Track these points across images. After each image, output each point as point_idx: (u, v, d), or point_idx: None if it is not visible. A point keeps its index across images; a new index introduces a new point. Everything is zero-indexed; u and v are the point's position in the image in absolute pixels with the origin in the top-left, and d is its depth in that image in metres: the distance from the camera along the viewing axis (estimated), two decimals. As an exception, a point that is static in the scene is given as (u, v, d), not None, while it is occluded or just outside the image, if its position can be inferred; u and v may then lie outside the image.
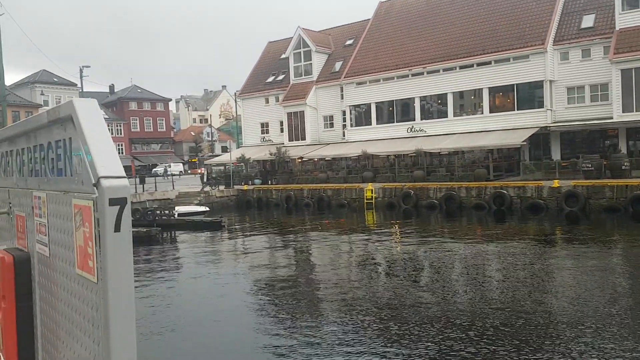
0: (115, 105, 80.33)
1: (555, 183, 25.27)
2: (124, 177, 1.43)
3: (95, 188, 1.41)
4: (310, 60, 43.09)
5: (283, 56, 46.12)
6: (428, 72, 36.29)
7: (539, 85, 32.30)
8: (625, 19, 29.15)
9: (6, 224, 2.58)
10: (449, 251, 17.79)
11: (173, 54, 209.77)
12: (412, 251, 18.49)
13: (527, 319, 10.16)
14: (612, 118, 28.94)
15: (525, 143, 30.85)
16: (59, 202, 1.77)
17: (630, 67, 27.94)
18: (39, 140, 1.90)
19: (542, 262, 15.63)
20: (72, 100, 1.57)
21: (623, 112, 28.42)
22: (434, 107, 36.68)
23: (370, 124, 38.87)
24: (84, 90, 45.39)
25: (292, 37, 44.45)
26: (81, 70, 42.01)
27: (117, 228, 1.38)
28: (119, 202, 1.39)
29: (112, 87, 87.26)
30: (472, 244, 18.76)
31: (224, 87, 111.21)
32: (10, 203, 2.52)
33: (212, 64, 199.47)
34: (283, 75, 45.85)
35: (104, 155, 1.45)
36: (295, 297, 13.02)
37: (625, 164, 26.76)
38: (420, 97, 36.75)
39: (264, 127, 46.71)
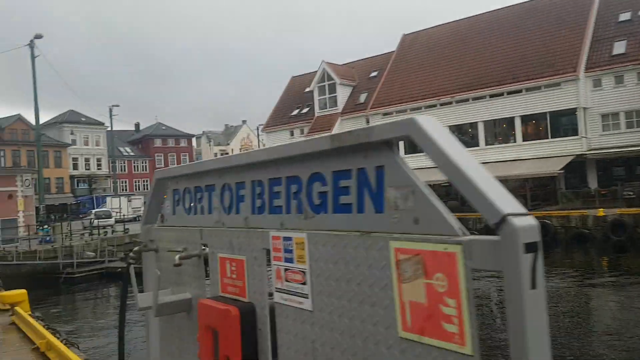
0: (141, 142, 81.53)
1: (600, 212, 24.47)
2: (530, 214, 1.08)
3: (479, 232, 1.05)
4: (335, 92, 43.25)
5: (307, 89, 46.39)
6: (457, 102, 36.05)
7: (572, 112, 31.80)
8: (660, 44, 28.75)
9: (192, 268, 2.23)
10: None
11: (194, 91, 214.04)
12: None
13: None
14: (653, 144, 28.25)
15: (562, 171, 30.17)
16: (348, 245, 1.42)
17: (670, 92, 27.37)
18: (313, 169, 1.56)
19: (585, 293, 14.87)
20: (413, 119, 1.25)
21: (664, 138, 27.72)
22: (465, 136, 36.28)
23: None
24: (112, 128, 46.03)
25: (315, 72, 44.77)
26: (110, 110, 42.82)
27: (534, 284, 1.03)
28: (533, 247, 1.03)
29: (137, 125, 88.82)
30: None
31: (244, 121, 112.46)
32: (203, 245, 2.18)
33: (232, 99, 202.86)
34: (307, 108, 46.01)
35: (490, 186, 1.11)
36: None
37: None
38: (450, 126, 36.43)
39: (290, 161, 46.57)
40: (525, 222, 1.06)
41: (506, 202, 1.08)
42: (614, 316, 12.71)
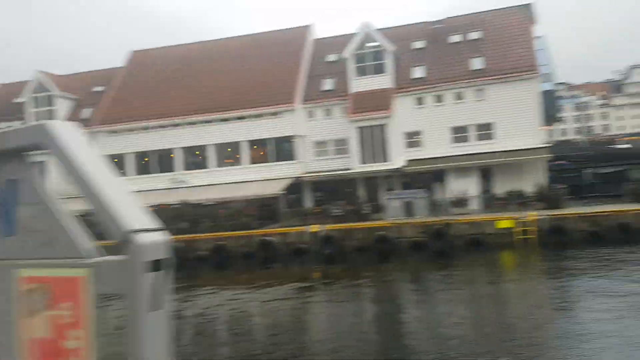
0: None
1: (314, 228, 27.45)
2: (161, 230, 1.00)
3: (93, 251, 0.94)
4: (51, 105, 38.96)
5: (18, 100, 40.58)
6: (188, 124, 36.31)
7: (290, 139, 35.17)
8: (357, 84, 34.11)
9: None
10: (217, 304, 17.53)
11: None
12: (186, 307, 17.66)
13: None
14: (352, 169, 33.10)
15: (282, 192, 32.93)
16: None
17: (365, 125, 32.66)
18: None
19: (303, 301, 16.60)
20: (45, 123, 1.08)
21: (361, 163, 32.80)
22: (196, 159, 36.72)
23: (126, 175, 36.64)
24: None
25: (28, 81, 39.57)
26: None
27: (156, 305, 0.94)
28: (159, 266, 0.95)
29: None
30: (242, 292, 18.90)
31: None
32: None
33: None
34: (20, 121, 40.16)
35: (121, 201, 1.00)
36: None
37: (365, 209, 30.85)
38: (181, 147, 36.39)
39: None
40: (151, 239, 0.97)
41: (134, 218, 0.98)
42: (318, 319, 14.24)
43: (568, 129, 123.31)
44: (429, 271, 21.80)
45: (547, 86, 36.36)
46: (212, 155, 36.16)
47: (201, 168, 36.19)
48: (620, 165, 38.35)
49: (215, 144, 36.19)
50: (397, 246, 25.58)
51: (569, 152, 41.67)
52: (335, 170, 33.89)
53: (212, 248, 28.13)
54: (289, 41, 39.04)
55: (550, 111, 36.82)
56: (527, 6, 35.48)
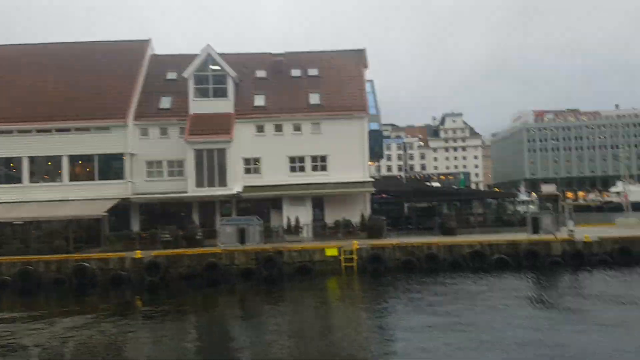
0: None
1: (138, 254, 25.75)
2: None
3: None
4: None
5: None
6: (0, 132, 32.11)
7: (120, 157, 32.93)
8: (197, 106, 33.34)
9: None
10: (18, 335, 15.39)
11: None
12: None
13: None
14: (187, 192, 32.01)
15: (106, 214, 30.49)
16: None
17: (203, 148, 31.92)
18: None
19: (123, 334, 15.40)
20: None
21: (196, 187, 31.88)
22: (5, 172, 32.43)
23: None
24: None
25: None
26: None
27: None
28: None
29: None
30: (45, 324, 16.87)
31: None
32: None
33: None
34: None
35: None
36: None
37: (199, 234, 29.91)
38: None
39: None
40: None
41: None
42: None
43: (393, 166, 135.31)
44: (256, 298, 21.69)
45: (375, 126, 39.49)
46: (26, 170, 32.25)
47: (14, 182, 32.06)
48: (432, 201, 42.97)
49: (31, 157, 32.42)
50: (228, 273, 25.11)
51: (391, 187, 45.48)
52: (168, 193, 32.45)
53: (17, 272, 24.78)
54: (125, 53, 36.94)
55: (377, 149, 39.98)
56: (360, 51, 38.35)
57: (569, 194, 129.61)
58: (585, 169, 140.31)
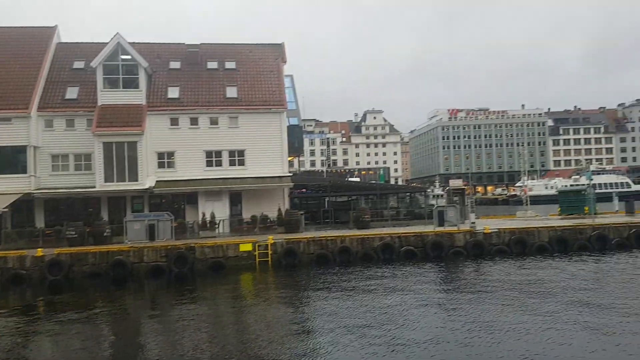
0: None
1: (39, 252, 24.38)
2: None
3: None
4: None
5: None
6: None
7: (22, 150, 30.95)
8: (106, 97, 31.96)
9: None
10: None
11: None
12: None
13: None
14: (95, 187, 30.64)
15: (6, 209, 28.61)
16: None
17: (111, 141, 30.66)
18: None
19: (20, 336, 14.60)
20: None
21: (105, 182, 30.59)
22: None
23: None
24: None
25: None
26: None
27: None
28: None
29: None
30: None
31: None
32: None
33: None
34: None
35: None
36: None
37: (107, 231, 28.76)
38: None
39: None
40: None
41: None
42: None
43: (316, 161, 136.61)
44: (166, 297, 21.20)
45: (295, 121, 39.70)
46: None
47: None
48: (350, 196, 43.99)
49: None
50: (136, 271, 24.36)
51: (311, 182, 46.01)
52: (75, 188, 30.94)
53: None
54: (29, 41, 34.65)
55: (297, 144, 40.23)
56: (278, 45, 38.37)
57: (480, 189, 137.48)
58: (494, 165, 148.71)
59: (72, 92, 32.89)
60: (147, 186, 31.09)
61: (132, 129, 31.00)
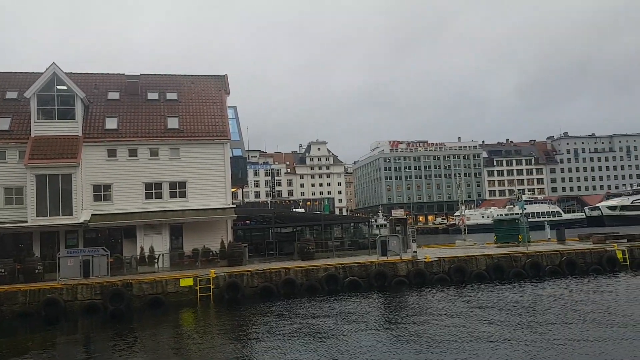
0: None
1: (-38, 292, 22.74)
2: None
3: None
4: None
5: None
6: None
7: (-54, 183, 29.15)
8: (40, 128, 30.80)
9: None
10: None
11: None
12: None
13: None
14: (26, 222, 29.15)
15: None
16: None
17: (45, 174, 29.43)
18: None
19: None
20: None
21: (37, 216, 29.19)
22: None
23: None
24: None
25: None
26: None
27: None
28: None
29: None
30: None
31: None
32: None
33: None
34: None
35: None
36: None
37: (39, 267, 27.27)
38: None
39: None
40: None
41: None
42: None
43: (261, 192, 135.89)
44: (101, 336, 20.18)
45: (238, 152, 39.57)
46: None
47: None
48: (295, 227, 43.94)
49: None
50: (70, 310, 23.13)
51: (255, 213, 45.67)
52: (5, 223, 29.33)
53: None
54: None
55: (241, 175, 40.01)
56: (221, 77, 38.42)
57: (421, 218, 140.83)
58: (434, 194, 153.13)
59: (3, 123, 31.51)
60: (81, 220, 29.90)
61: (66, 160, 29.91)
